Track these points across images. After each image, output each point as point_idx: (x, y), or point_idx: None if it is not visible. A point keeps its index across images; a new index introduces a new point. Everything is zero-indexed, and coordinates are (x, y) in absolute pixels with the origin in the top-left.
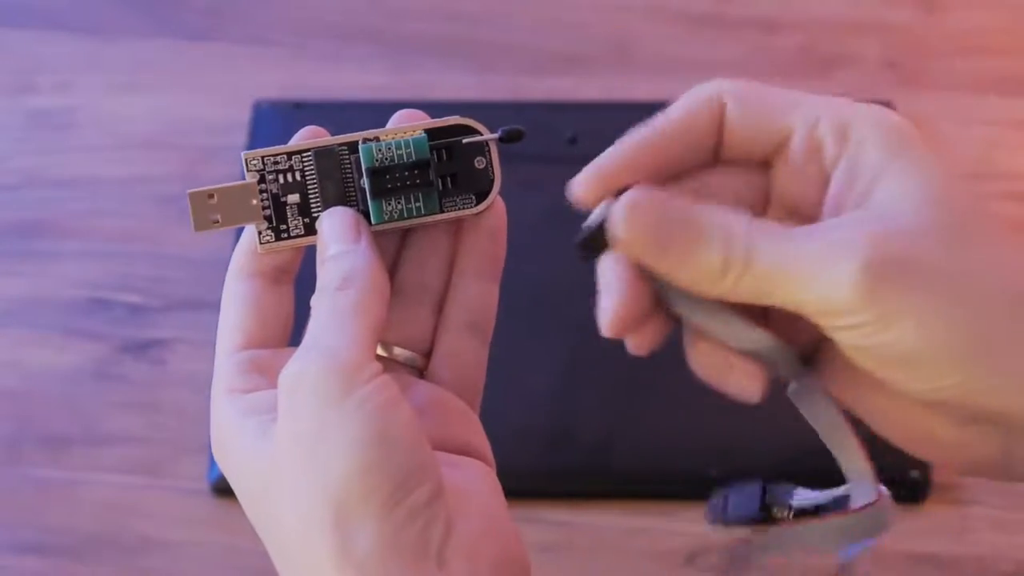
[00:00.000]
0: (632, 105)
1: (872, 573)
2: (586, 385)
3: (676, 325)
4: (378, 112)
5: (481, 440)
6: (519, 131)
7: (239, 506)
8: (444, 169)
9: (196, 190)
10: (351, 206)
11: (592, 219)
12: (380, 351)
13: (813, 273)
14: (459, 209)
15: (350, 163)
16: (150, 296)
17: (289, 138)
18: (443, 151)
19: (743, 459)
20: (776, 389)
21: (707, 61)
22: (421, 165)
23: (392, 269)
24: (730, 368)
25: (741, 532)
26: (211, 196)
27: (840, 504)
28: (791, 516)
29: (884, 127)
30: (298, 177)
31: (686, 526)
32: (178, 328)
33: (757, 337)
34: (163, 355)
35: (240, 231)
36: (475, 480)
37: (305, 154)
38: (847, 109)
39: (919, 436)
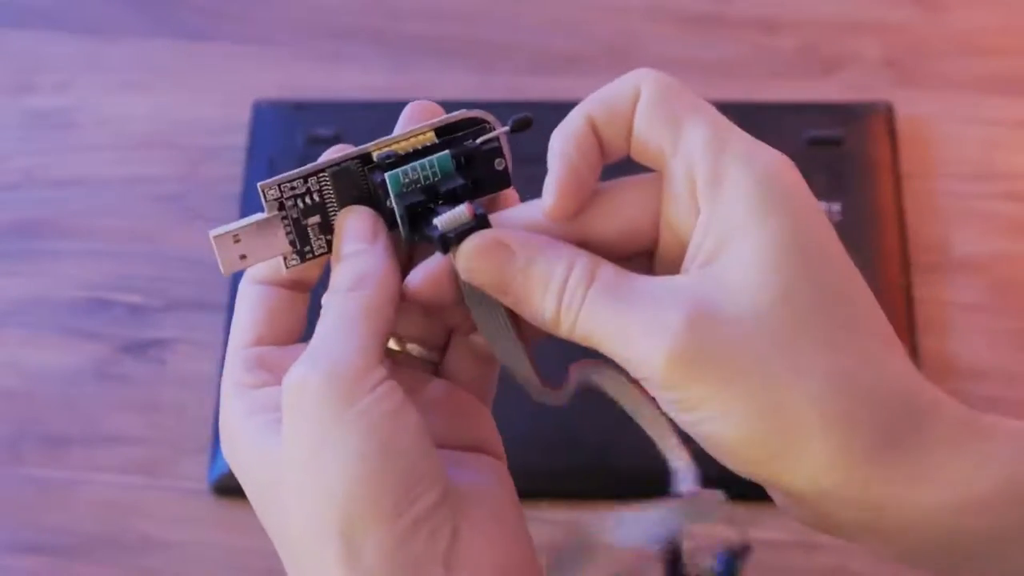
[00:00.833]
0: None
1: (872, 573)
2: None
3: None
4: (378, 112)
5: (493, 436)
6: (527, 119)
7: (239, 506)
8: (466, 175)
9: (219, 233)
10: None
11: (448, 225)
12: (394, 346)
13: (632, 342)
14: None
15: (365, 175)
16: (150, 296)
17: (288, 138)
18: (463, 159)
19: None
20: None
21: (707, 61)
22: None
23: (408, 265)
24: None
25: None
26: (236, 239)
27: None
28: None
29: (757, 181)
30: (316, 199)
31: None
32: (178, 328)
33: (523, 374)
34: (163, 355)
35: None
36: (486, 479)
37: (321, 175)
38: (726, 152)
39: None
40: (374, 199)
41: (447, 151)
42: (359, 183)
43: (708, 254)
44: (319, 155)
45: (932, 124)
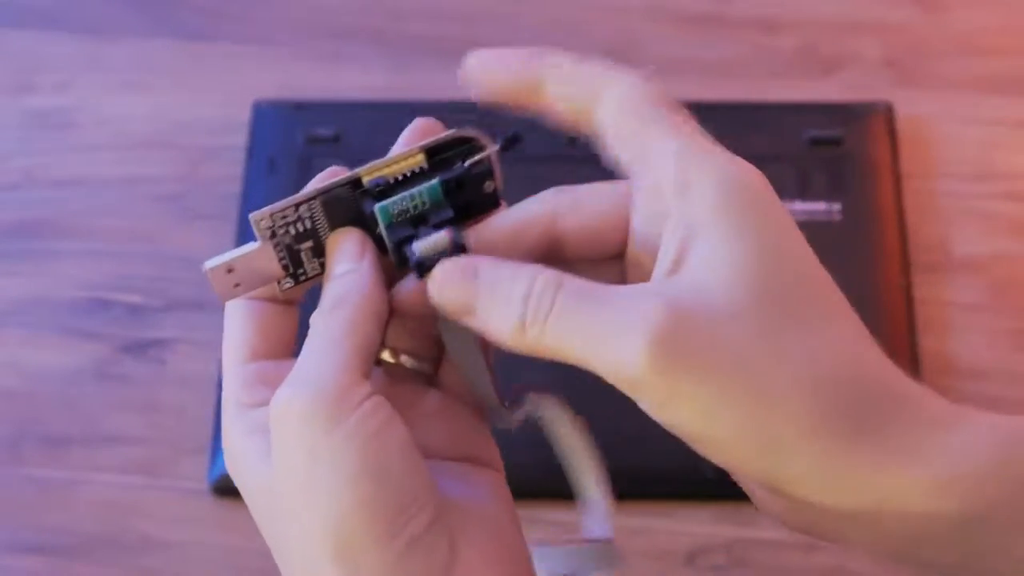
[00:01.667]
0: None
1: (872, 573)
2: (586, 384)
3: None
4: (378, 112)
5: (490, 448)
6: (517, 136)
7: (239, 506)
8: (456, 201)
9: (213, 265)
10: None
11: (425, 251)
12: (388, 358)
13: (608, 343)
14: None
15: (356, 200)
16: (150, 296)
17: (288, 138)
18: (453, 184)
19: None
20: None
21: (707, 61)
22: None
23: (399, 279)
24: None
25: None
26: (230, 270)
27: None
28: None
29: (725, 185)
30: (308, 225)
31: (686, 526)
32: (178, 328)
33: (484, 393)
34: (163, 355)
35: (239, 232)
36: (483, 492)
37: (312, 203)
38: (694, 161)
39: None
40: (365, 223)
41: (436, 180)
42: (350, 208)
43: (677, 257)
44: (319, 155)
45: (932, 124)
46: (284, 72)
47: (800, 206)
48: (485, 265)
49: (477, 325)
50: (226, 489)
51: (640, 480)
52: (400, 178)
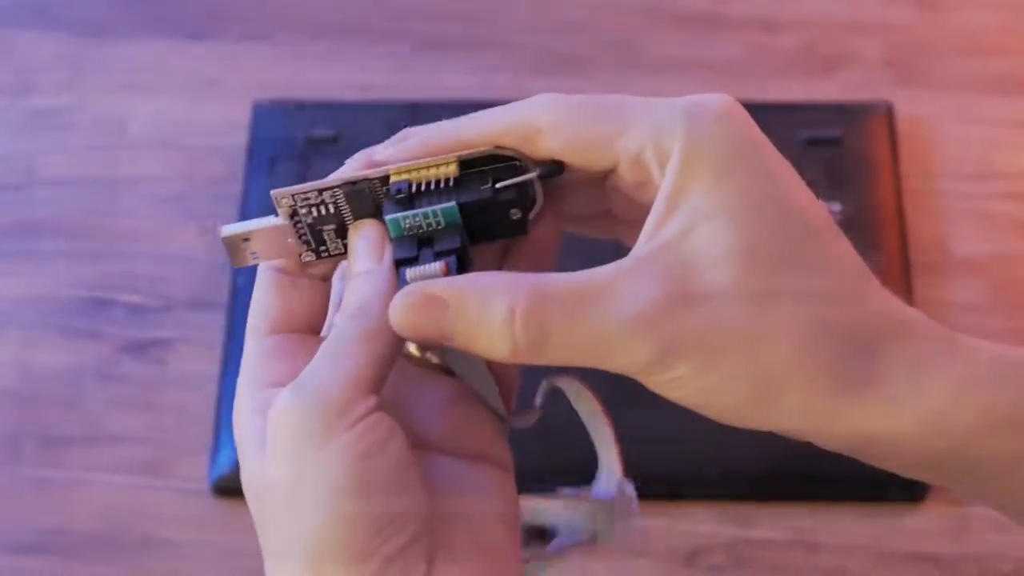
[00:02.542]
0: None
1: (872, 573)
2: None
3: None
4: (378, 112)
5: (501, 446)
6: (559, 166)
7: (239, 506)
8: (475, 223)
9: (230, 233)
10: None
11: (416, 278)
12: (414, 352)
13: (611, 348)
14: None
15: (383, 193)
16: (150, 296)
17: (288, 135)
18: (475, 208)
19: (741, 459)
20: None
21: (707, 61)
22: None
23: None
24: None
25: None
26: (246, 239)
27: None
28: None
29: (703, 147)
30: (331, 210)
31: (686, 526)
32: (178, 328)
33: (491, 399)
34: (163, 355)
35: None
36: (484, 490)
37: (336, 191)
38: (674, 127)
39: None
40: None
41: (454, 203)
42: (374, 203)
43: (667, 226)
44: (319, 155)
45: (932, 124)
46: (284, 72)
47: None
48: (449, 290)
49: (461, 347)
50: (226, 489)
51: (641, 480)
52: (426, 186)
